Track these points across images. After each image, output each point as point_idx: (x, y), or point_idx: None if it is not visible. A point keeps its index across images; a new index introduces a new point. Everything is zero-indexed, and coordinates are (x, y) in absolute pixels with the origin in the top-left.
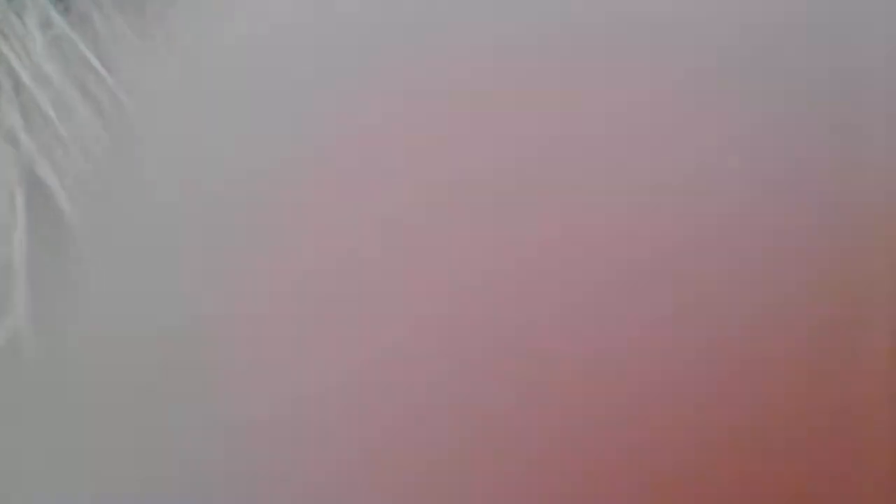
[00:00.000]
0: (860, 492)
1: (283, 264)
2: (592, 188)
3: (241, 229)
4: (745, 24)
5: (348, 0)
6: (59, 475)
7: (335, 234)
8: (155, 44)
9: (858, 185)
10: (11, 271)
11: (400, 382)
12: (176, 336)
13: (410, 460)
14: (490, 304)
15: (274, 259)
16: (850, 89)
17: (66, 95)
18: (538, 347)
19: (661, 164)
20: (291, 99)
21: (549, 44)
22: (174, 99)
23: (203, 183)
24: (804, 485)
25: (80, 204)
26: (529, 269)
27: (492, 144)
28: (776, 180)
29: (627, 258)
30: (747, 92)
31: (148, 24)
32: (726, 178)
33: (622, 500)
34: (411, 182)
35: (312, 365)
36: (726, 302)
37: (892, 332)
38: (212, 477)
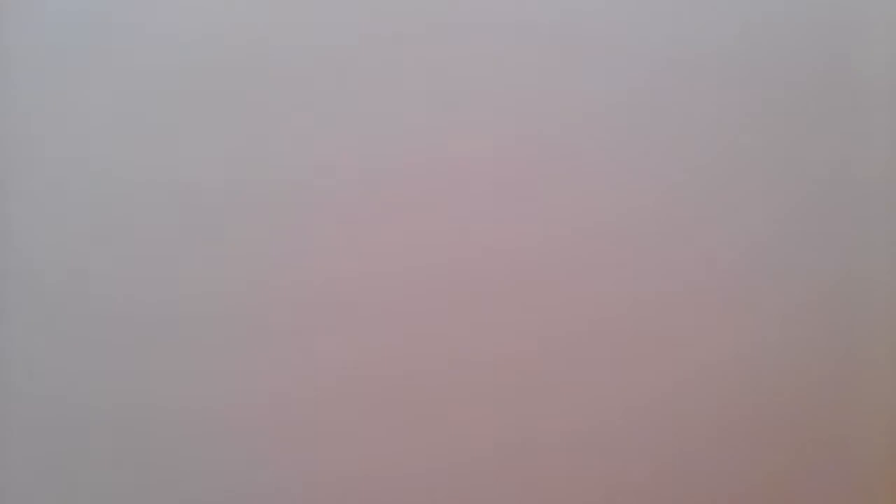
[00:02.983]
0: (860, 492)
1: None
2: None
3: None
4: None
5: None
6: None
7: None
8: None
9: (859, 191)
10: None
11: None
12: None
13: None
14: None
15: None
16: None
17: None
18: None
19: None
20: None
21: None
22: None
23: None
24: (804, 485)
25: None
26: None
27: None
28: (782, 189)
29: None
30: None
31: None
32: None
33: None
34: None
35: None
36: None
37: (892, 332)
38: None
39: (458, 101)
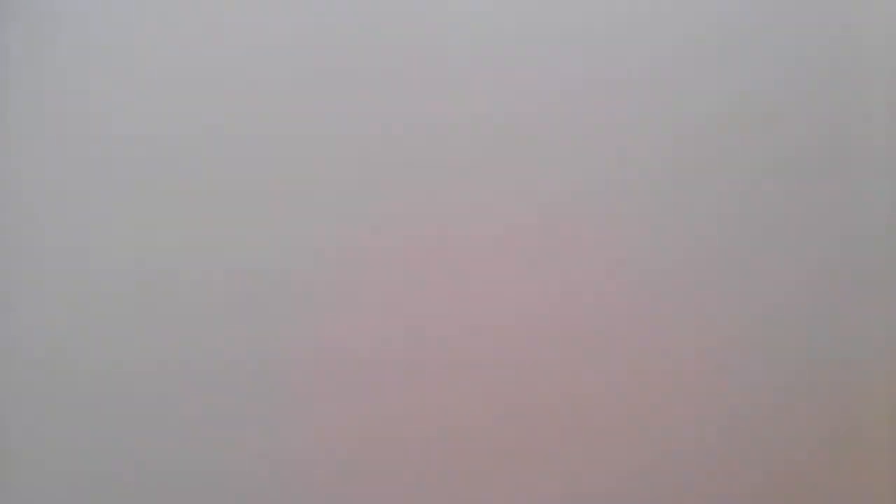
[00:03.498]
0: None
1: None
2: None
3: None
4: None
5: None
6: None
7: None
8: None
9: (859, 191)
10: None
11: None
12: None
13: None
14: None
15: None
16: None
17: None
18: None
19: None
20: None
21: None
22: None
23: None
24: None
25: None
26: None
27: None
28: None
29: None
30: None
31: None
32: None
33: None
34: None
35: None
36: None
37: (891, 330)
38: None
39: (465, 176)
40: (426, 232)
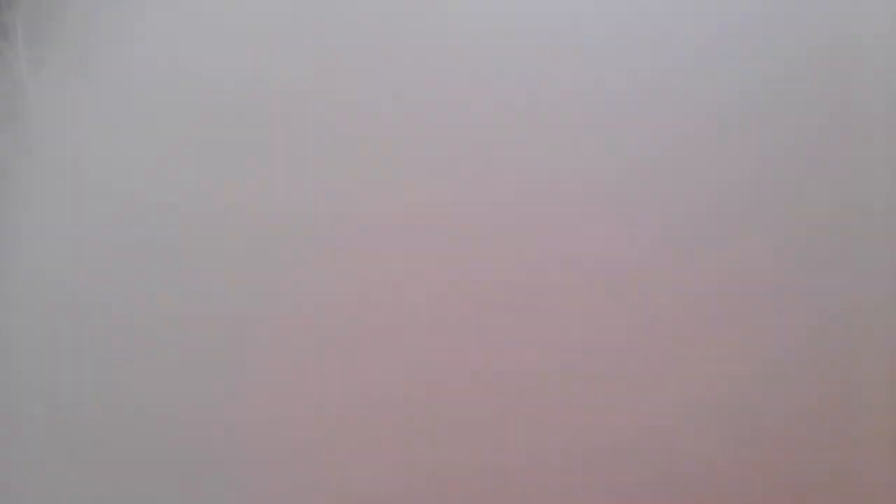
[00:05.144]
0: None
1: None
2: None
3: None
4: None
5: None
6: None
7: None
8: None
9: (859, 191)
10: None
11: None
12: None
13: None
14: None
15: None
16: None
17: None
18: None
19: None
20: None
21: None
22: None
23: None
24: (805, 485)
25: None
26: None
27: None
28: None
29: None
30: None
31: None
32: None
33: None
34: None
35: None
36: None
37: (891, 330)
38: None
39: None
40: (429, 221)
